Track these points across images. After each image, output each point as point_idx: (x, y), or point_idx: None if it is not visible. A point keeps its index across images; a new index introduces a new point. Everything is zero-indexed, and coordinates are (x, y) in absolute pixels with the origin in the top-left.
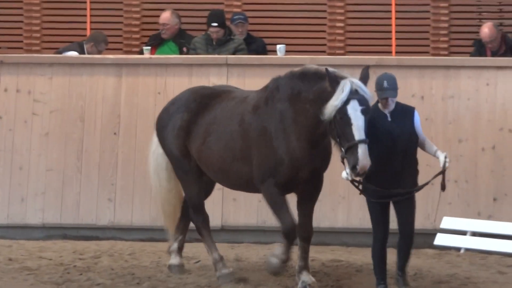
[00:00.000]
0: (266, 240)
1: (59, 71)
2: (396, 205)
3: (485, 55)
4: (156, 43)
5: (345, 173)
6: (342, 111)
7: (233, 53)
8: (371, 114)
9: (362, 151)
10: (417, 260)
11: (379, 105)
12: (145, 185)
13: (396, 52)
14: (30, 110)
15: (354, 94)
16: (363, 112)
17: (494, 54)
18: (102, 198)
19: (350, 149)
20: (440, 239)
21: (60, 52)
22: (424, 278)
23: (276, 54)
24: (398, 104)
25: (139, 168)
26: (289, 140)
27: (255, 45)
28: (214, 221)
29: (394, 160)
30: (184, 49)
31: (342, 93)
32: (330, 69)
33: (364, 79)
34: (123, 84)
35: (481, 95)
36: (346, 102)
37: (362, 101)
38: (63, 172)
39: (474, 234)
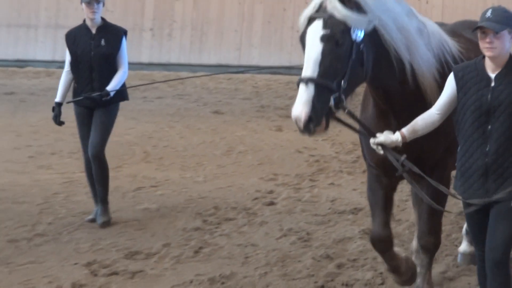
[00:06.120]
0: None
1: None
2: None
3: None
4: None
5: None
6: (303, 33)
7: None
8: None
9: (299, 94)
10: None
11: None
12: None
13: None
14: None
15: (322, 12)
16: (324, 38)
17: None
18: (246, 49)
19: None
20: None
21: None
22: None
23: None
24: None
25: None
26: None
27: None
28: None
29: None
30: None
31: (307, 8)
32: None
33: None
34: None
35: None
36: (309, 21)
37: (329, 23)
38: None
39: None
